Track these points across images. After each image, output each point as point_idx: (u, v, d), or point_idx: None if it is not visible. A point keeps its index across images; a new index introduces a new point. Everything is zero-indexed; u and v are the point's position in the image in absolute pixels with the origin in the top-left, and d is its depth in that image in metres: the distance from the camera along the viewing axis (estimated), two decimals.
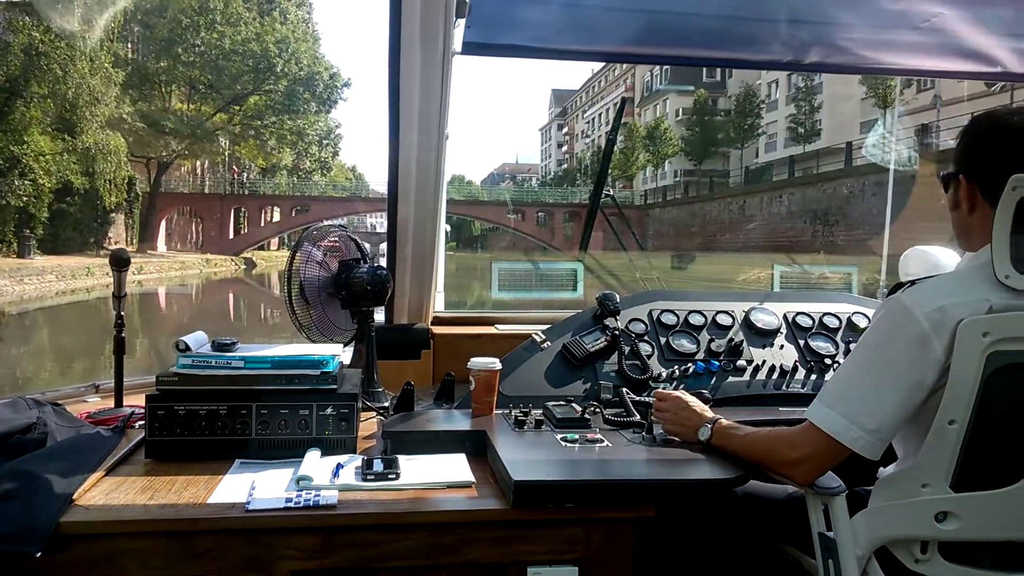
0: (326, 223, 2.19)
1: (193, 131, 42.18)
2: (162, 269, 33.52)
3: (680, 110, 59.01)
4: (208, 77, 42.91)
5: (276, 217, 52.76)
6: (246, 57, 42.45)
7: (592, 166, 62.71)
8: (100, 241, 33.63)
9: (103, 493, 1.36)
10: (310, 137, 49.72)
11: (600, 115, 72.90)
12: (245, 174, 53.97)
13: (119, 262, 1.91)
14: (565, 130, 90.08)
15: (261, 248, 52.59)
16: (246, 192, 50.34)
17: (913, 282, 1.35)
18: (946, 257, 2.33)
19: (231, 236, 47.65)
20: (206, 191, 49.30)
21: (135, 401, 1.90)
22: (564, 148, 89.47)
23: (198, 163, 51.29)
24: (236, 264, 42.84)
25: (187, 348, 1.62)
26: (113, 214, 34.78)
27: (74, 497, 1.31)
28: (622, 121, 63.56)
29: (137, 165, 38.78)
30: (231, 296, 32.03)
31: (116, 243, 34.01)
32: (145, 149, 39.64)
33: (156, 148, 40.61)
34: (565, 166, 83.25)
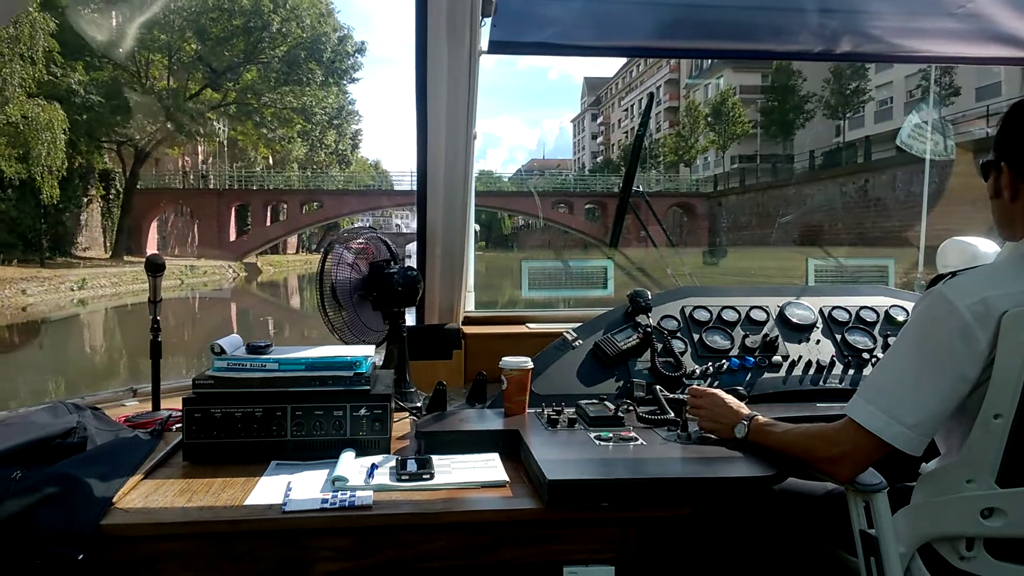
0: (356, 225, 2.20)
1: (172, 110, 32.67)
2: (122, 281, 25.27)
3: (739, 87, 50.78)
4: (193, 45, 34.13)
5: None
6: (234, 15, 34.07)
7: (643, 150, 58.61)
8: (63, 247, 27.77)
9: (142, 496, 1.38)
10: (318, 117, 40.23)
11: (640, 100, 68.02)
12: (257, 167, 46.51)
13: (154, 268, 1.94)
14: (600, 120, 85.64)
15: (274, 251, 46.33)
16: (254, 187, 43.52)
17: (954, 274, 1.32)
18: (985, 247, 2.28)
19: (232, 238, 40.85)
20: (208, 186, 42.26)
21: (172, 404, 1.93)
22: (599, 139, 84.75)
23: (200, 156, 45.21)
24: (235, 271, 35.33)
25: (222, 351, 1.63)
26: (82, 213, 29.27)
27: (114, 500, 1.33)
28: (669, 105, 59.16)
29: (111, 154, 33.09)
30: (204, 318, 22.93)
31: (86, 249, 30.12)
32: (111, 132, 31.14)
33: (125, 130, 31.49)
34: (600, 158, 78.17)
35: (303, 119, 39.17)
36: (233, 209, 41.41)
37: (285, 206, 44.59)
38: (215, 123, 39.62)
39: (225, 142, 44.21)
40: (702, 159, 55.00)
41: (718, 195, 45.51)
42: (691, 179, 53.74)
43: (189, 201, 41.09)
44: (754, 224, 39.90)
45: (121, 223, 32.65)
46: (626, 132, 71.19)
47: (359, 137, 56.81)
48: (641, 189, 2.82)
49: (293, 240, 53.09)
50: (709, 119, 49.66)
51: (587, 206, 47.51)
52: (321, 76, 38.00)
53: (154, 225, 38.39)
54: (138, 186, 35.36)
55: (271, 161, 48.29)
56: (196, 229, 41.49)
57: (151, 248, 35.57)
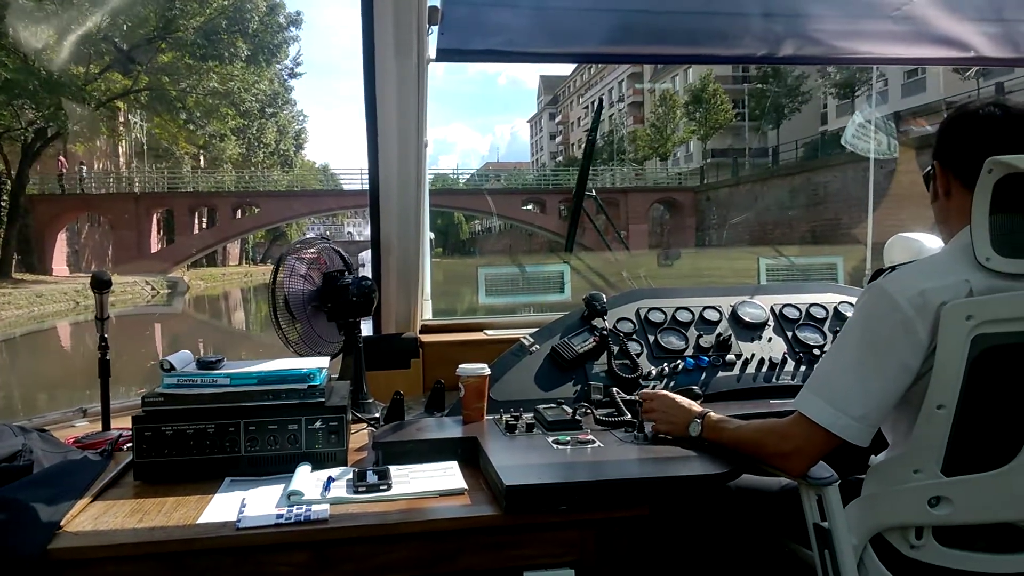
0: (308, 236, 2.18)
1: (66, 96, 25.12)
2: None
3: (713, 75, 44.56)
4: (94, 19, 26.11)
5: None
6: None
7: (610, 146, 52.07)
8: None
9: (92, 518, 1.35)
10: (247, 104, 34.01)
11: (602, 96, 63.30)
12: (186, 167, 39.61)
13: (100, 284, 1.89)
14: (558, 119, 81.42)
15: (211, 263, 40.30)
16: (188, 189, 37.70)
17: (893, 268, 1.36)
18: (931, 243, 2.34)
19: (155, 249, 35.18)
20: (133, 190, 35.22)
21: (124, 424, 1.89)
22: (558, 139, 79.49)
23: (122, 157, 37.87)
24: (155, 287, 27.77)
25: (172, 367, 1.60)
26: None
27: (62, 524, 1.30)
28: (633, 100, 55.84)
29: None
30: None
31: None
32: None
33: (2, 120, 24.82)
34: (560, 158, 73.55)
35: (230, 107, 33.06)
36: (155, 216, 35.91)
37: (215, 212, 38.52)
38: (130, 116, 33.93)
39: (144, 139, 38.25)
40: (672, 154, 50.11)
41: (706, 189, 39.72)
42: (672, 172, 48.82)
43: (102, 207, 34.53)
44: (752, 219, 33.60)
45: (8, 235, 26.46)
46: (586, 130, 64.09)
47: (303, 136, 52.45)
48: (594, 193, 2.85)
49: (235, 251, 47.53)
50: (689, 107, 45.04)
51: (560, 204, 41.22)
52: (247, 51, 31.80)
53: (62, 236, 32.25)
54: (37, 190, 30.29)
55: (202, 162, 42.08)
56: (112, 240, 35.31)
57: (58, 264, 30.53)
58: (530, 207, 41.98)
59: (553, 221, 39.46)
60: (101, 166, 37.33)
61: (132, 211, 33.71)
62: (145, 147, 39.12)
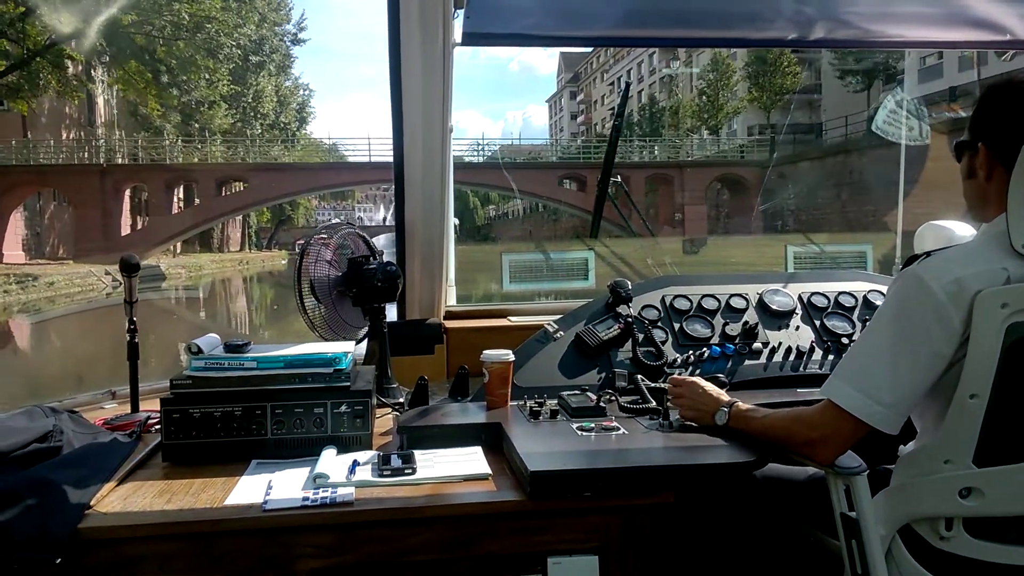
0: (333, 221, 2.19)
1: None
2: None
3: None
4: None
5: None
6: None
7: (642, 122, 48.56)
8: None
9: (121, 498, 1.36)
10: (226, 49, 28.31)
11: (629, 71, 59.47)
12: (166, 139, 33.71)
13: (128, 267, 1.91)
14: (580, 98, 76.54)
15: (206, 248, 36.32)
16: (167, 162, 31.61)
17: (928, 254, 1.33)
18: (962, 231, 2.29)
19: (126, 231, 30.49)
20: (116, 161, 30.39)
21: (152, 406, 1.91)
22: (580, 119, 75.94)
23: (100, 128, 32.96)
24: (116, 279, 11.04)
25: (200, 351, 1.62)
26: None
27: (91, 503, 1.32)
28: (668, 73, 51.43)
29: None
30: None
31: None
32: None
33: None
34: (582, 139, 66.61)
35: (208, 57, 27.86)
36: (127, 193, 31.05)
37: (192, 186, 33.42)
38: (94, 71, 28.55)
39: (114, 101, 33.53)
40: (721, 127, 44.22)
41: (780, 163, 32.55)
42: (721, 148, 42.39)
43: (60, 182, 29.22)
44: (845, 199, 27.67)
45: None
46: (611, 109, 60.94)
47: (308, 109, 46.55)
48: (620, 179, 2.82)
49: (237, 236, 43.51)
50: (751, 69, 40.17)
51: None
52: None
53: (16, 216, 27.54)
54: None
55: (197, 131, 36.74)
56: (75, 221, 29.96)
57: (11, 249, 26.19)
58: (568, 184, 36.95)
59: (592, 202, 33.49)
60: (71, 135, 32.42)
61: (97, 186, 28.80)
62: (116, 112, 34.43)
